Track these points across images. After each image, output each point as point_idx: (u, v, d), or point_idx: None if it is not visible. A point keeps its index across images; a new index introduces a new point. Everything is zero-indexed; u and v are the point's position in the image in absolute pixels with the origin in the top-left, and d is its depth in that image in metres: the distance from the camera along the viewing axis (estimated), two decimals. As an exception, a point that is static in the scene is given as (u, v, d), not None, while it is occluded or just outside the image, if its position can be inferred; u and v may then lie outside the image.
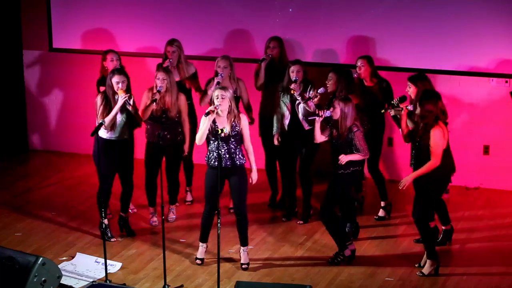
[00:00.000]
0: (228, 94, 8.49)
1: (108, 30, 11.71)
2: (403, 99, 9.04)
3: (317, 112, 8.85)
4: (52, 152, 12.42)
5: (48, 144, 12.46)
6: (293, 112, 9.68)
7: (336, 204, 8.85)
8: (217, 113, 8.47)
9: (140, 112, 9.33)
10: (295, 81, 9.51)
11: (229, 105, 8.50)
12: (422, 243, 8.97)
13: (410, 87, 9.04)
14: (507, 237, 9.47)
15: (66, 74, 12.11)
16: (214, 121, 8.51)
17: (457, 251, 9.14)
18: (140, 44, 11.60)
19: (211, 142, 8.63)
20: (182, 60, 10.08)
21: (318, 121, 8.79)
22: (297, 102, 9.59)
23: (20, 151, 12.35)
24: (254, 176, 8.63)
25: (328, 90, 9.36)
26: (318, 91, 9.34)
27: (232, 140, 8.56)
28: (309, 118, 9.16)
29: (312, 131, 9.56)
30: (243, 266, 8.76)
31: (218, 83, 9.60)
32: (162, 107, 9.38)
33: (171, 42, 10.09)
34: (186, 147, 9.65)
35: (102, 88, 9.67)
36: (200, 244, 8.88)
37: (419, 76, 9.13)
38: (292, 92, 9.48)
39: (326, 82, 9.38)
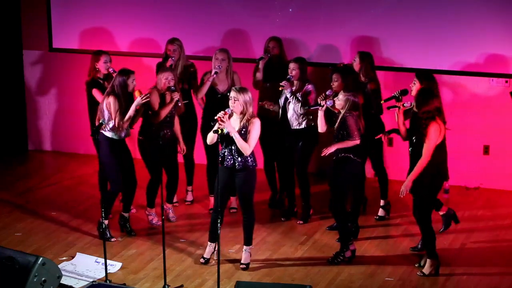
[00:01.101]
0: (242, 97, 8.41)
1: (108, 30, 11.71)
2: (404, 92, 9.02)
3: (319, 102, 8.87)
4: (51, 152, 12.42)
5: (48, 144, 12.46)
6: (284, 110, 9.70)
7: (342, 196, 8.80)
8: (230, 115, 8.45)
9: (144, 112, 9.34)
10: (288, 79, 9.52)
11: (242, 108, 8.42)
12: (419, 251, 8.99)
13: (415, 83, 8.98)
14: (507, 237, 9.47)
15: (66, 74, 12.11)
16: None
17: (457, 251, 9.14)
18: (140, 44, 11.60)
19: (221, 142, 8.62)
20: (181, 59, 10.08)
21: (321, 110, 8.82)
22: (288, 100, 9.60)
23: (20, 151, 12.35)
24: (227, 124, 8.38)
25: (335, 90, 9.31)
26: (327, 93, 9.25)
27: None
28: (312, 108, 9.15)
29: (303, 130, 9.57)
30: (241, 266, 8.75)
31: (216, 73, 9.64)
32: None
33: (172, 41, 10.10)
34: (182, 145, 9.66)
35: (95, 91, 9.66)
36: (209, 243, 8.87)
37: (427, 76, 9.09)
38: (280, 88, 9.50)
39: (332, 84, 9.33)
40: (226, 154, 8.54)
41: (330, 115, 8.90)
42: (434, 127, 8.28)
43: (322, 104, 8.82)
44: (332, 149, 8.72)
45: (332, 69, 9.55)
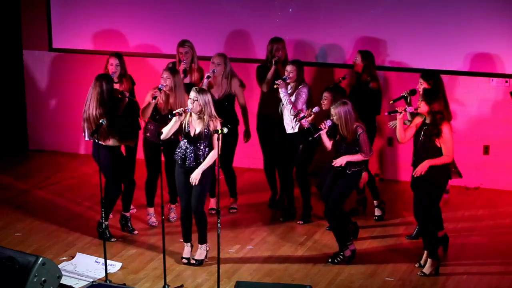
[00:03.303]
0: (202, 98, 8.47)
1: (108, 30, 11.71)
2: (413, 92, 9.05)
3: (320, 127, 8.86)
4: (52, 152, 12.42)
5: (48, 144, 12.45)
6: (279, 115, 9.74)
7: (341, 203, 8.83)
8: (189, 114, 8.55)
9: (140, 112, 9.35)
10: (284, 79, 9.52)
11: (201, 109, 8.49)
12: (413, 239, 9.12)
13: (421, 84, 9.01)
14: (507, 237, 9.47)
15: (66, 74, 12.11)
16: (187, 121, 8.60)
17: (458, 251, 9.14)
18: (140, 44, 11.60)
19: (181, 140, 8.69)
20: (196, 61, 10.06)
21: (323, 133, 8.83)
22: (282, 105, 9.61)
23: (20, 151, 12.35)
24: (193, 175, 8.55)
25: (324, 109, 9.30)
26: (313, 110, 9.30)
27: (201, 142, 8.56)
28: (315, 136, 9.10)
29: (298, 134, 9.57)
30: (191, 261, 8.80)
31: (208, 77, 9.62)
32: (168, 107, 9.35)
33: (182, 43, 10.02)
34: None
35: None
36: (185, 244, 8.90)
37: (432, 75, 9.11)
38: (275, 86, 9.49)
39: (321, 101, 9.33)
40: (187, 153, 8.58)
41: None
42: (447, 128, 8.30)
43: (323, 127, 8.82)
44: (343, 161, 8.73)
45: (325, 87, 9.52)
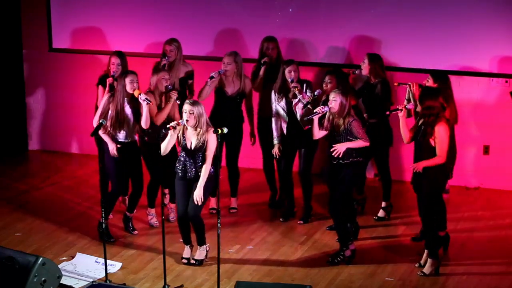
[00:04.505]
0: (196, 109, 8.44)
1: (108, 30, 11.71)
2: (420, 86, 9.10)
3: (315, 111, 8.84)
4: (52, 152, 12.42)
5: (48, 144, 12.46)
6: (291, 114, 9.67)
7: (346, 197, 8.83)
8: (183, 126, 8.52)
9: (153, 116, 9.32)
10: (292, 81, 9.50)
11: (196, 121, 8.47)
12: (419, 241, 9.11)
13: (428, 81, 9.04)
14: (507, 237, 9.48)
15: (65, 74, 12.11)
16: (182, 133, 8.58)
17: (458, 251, 9.14)
18: (140, 44, 11.60)
19: (181, 153, 8.68)
20: (177, 60, 10.04)
21: (316, 118, 8.81)
22: (294, 102, 9.58)
23: (19, 151, 12.35)
24: (196, 193, 8.50)
25: (326, 92, 9.30)
26: (315, 93, 9.31)
27: (199, 153, 8.54)
28: (308, 118, 9.12)
29: (309, 130, 9.57)
30: (191, 261, 8.80)
31: (211, 77, 9.63)
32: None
33: (170, 41, 10.06)
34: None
35: (100, 88, 9.70)
36: (185, 246, 8.90)
37: (441, 75, 9.13)
38: (296, 90, 9.42)
39: (324, 85, 9.34)
40: (187, 166, 8.58)
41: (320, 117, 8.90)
42: (441, 128, 8.27)
43: (319, 112, 8.80)
44: (343, 148, 8.71)
45: (326, 71, 9.55)
